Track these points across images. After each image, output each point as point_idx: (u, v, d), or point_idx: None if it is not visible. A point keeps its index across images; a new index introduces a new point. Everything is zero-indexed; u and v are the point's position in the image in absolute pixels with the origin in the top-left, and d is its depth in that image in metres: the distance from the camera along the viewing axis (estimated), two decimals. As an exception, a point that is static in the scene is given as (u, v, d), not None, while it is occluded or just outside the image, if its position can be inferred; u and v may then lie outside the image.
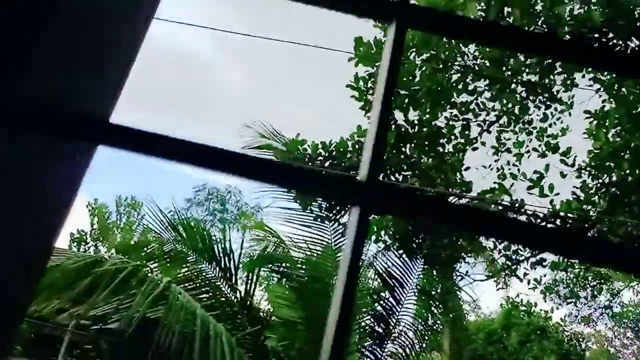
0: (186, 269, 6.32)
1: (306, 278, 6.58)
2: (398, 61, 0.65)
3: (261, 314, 7.06)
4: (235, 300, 6.48)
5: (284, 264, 6.90)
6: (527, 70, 7.88)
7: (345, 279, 0.54)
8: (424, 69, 7.90)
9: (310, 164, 7.43)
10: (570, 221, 8.97)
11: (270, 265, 6.87)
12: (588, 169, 8.84)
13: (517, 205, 8.92)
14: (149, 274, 5.40)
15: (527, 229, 0.63)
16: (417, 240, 8.13)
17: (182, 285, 5.72)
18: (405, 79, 7.82)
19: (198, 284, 6.24)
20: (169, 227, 6.33)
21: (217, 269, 6.30)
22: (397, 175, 8.23)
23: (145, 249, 6.45)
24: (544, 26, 7.30)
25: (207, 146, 0.58)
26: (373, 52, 7.65)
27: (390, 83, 0.62)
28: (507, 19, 7.54)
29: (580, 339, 16.16)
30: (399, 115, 8.02)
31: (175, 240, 6.36)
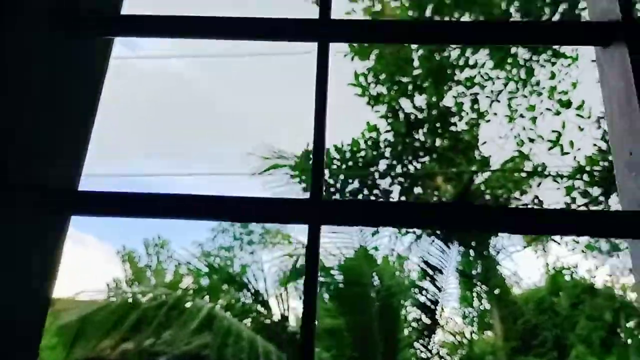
0: (223, 298, 6.32)
1: (343, 285, 6.50)
2: (325, 86, 0.69)
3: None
4: (276, 319, 6.44)
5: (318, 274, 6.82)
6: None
7: (305, 290, 0.59)
8: (420, 52, 7.79)
9: (326, 170, 7.36)
10: (597, 174, 8.77)
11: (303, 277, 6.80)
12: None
13: (539, 169, 8.74)
14: (193, 301, 5.43)
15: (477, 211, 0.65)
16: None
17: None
18: (404, 66, 7.73)
19: (238, 311, 6.22)
20: (199, 262, 6.31)
21: (250, 293, 6.28)
22: (414, 162, 8.12)
23: (181, 285, 6.46)
24: None
25: (161, 195, 0.60)
26: (366, 44, 7.58)
27: (320, 106, 0.66)
28: None
29: (631, 290, 15.80)
30: (405, 104, 7.92)
31: (208, 273, 6.36)
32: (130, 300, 5.52)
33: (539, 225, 0.62)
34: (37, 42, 0.65)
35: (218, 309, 5.52)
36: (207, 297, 6.36)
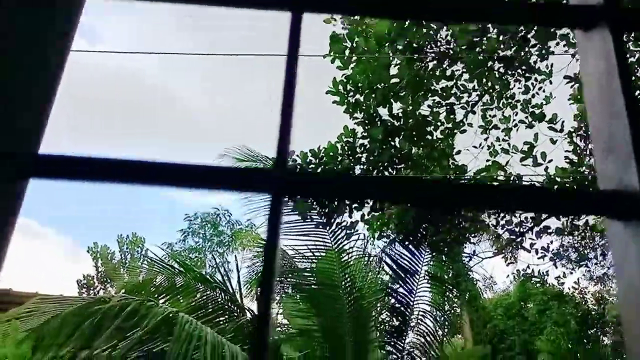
0: (196, 298, 6.36)
1: (316, 286, 6.62)
2: (297, 54, 0.68)
3: (278, 328, 7.10)
4: (247, 319, 6.53)
5: (291, 275, 6.94)
6: (501, 46, 7.94)
7: (265, 261, 0.57)
8: (399, 60, 7.96)
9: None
10: (567, 186, 9.03)
11: (278, 278, 6.92)
12: (580, 132, 8.91)
13: (513, 178, 8.97)
14: (153, 307, 5.39)
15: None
16: (421, 229, 8.17)
17: (194, 314, 5.75)
18: (382, 73, 7.87)
19: (210, 310, 6.28)
20: (170, 261, 6.36)
21: (223, 293, 6.33)
22: (390, 169, 8.27)
23: (154, 283, 6.49)
24: None
25: (125, 160, 0.59)
26: (347, 47, 7.72)
27: (290, 72, 0.65)
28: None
29: (598, 299, 16.22)
30: (383, 111, 8.07)
31: (179, 272, 6.39)
32: (90, 304, 5.46)
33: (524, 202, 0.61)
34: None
35: (181, 314, 5.43)
36: (179, 297, 6.42)
